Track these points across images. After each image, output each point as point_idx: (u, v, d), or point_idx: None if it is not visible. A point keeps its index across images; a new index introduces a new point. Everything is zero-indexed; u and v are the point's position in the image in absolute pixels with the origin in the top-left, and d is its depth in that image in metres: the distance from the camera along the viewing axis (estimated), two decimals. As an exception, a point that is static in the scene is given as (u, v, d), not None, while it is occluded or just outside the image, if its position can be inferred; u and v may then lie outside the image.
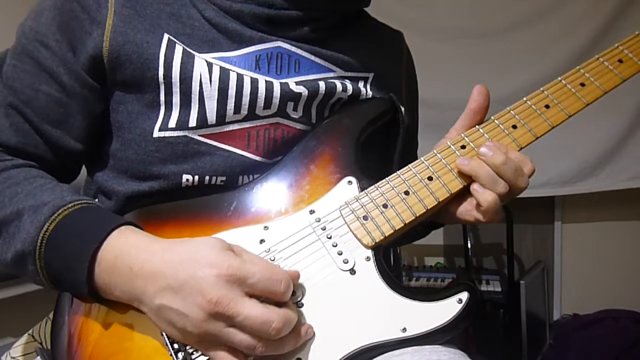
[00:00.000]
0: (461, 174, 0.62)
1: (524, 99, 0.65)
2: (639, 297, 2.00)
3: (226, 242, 0.52)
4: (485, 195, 0.59)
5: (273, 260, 0.57)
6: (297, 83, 0.65)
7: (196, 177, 0.63)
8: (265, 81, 0.63)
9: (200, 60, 0.62)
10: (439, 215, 0.65)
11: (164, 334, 0.53)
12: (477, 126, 0.64)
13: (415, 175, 0.62)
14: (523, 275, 2.07)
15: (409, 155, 0.68)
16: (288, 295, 0.51)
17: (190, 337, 0.49)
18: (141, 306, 0.52)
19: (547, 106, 0.64)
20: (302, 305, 0.55)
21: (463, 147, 0.63)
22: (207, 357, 0.52)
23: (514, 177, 0.59)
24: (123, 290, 0.52)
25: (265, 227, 0.60)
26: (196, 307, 0.47)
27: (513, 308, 1.89)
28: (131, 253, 0.52)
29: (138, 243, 0.53)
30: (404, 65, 0.81)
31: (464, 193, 0.62)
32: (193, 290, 0.48)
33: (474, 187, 0.60)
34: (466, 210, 0.63)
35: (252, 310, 0.47)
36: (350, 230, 0.59)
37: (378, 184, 0.62)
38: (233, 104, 0.62)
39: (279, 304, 0.51)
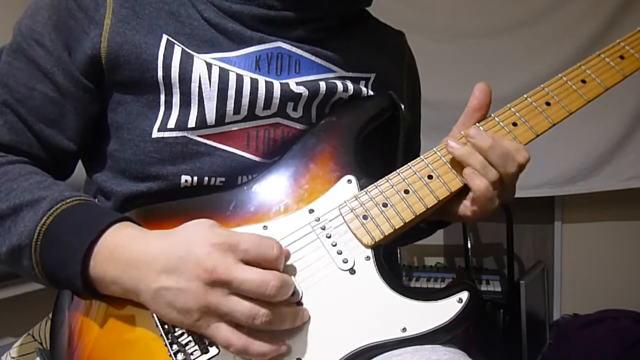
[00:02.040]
0: (462, 172, 0.61)
1: (525, 96, 0.65)
2: (639, 297, 2.00)
3: (214, 221, 0.53)
4: (476, 181, 0.59)
5: None
6: (297, 83, 0.65)
7: (195, 178, 0.62)
8: (265, 81, 0.63)
9: (199, 61, 0.61)
10: (444, 214, 0.65)
11: (163, 335, 0.53)
12: (477, 124, 0.64)
13: (415, 174, 0.62)
14: (523, 275, 2.07)
15: (411, 154, 0.68)
16: (281, 260, 0.52)
17: (192, 315, 0.49)
18: (138, 297, 0.52)
19: (547, 103, 0.64)
20: (302, 305, 0.55)
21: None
22: (207, 358, 0.52)
23: (503, 162, 0.59)
24: (119, 283, 0.52)
25: (264, 226, 0.59)
26: (194, 279, 0.48)
27: (513, 308, 1.89)
28: (126, 246, 0.52)
29: (133, 236, 0.53)
30: (406, 65, 0.81)
31: (466, 192, 0.62)
32: (188, 264, 0.48)
33: (466, 171, 0.60)
34: (466, 207, 0.63)
35: (249, 274, 0.48)
36: (350, 229, 0.59)
37: (377, 182, 0.62)
38: (233, 105, 0.62)
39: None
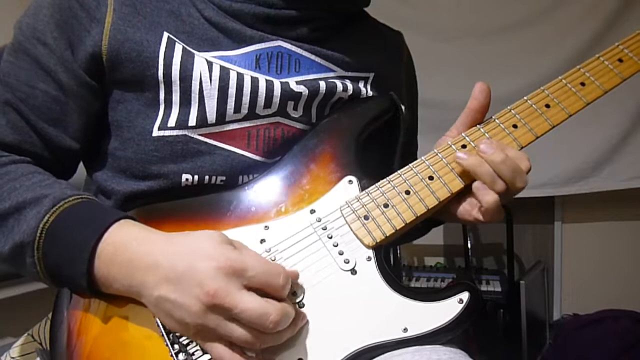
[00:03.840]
0: (462, 173, 0.61)
1: (525, 98, 0.65)
2: (639, 297, 2.00)
3: (226, 236, 0.52)
4: (486, 196, 0.59)
5: (274, 260, 0.57)
6: (297, 82, 0.65)
7: (196, 177, 0.62)
8: (266, 80, 0.63)
9: (200, 59, 0.61)
10: (441, 214, 0.65)
11: (164, 334, 0.53)
12: (478, 125, 0.64)
13: (416, 175, 0.62)
14: (523, 275, 2.07)
15: (409, 155, 0.68)
16: (286, 289, 0.51)
17: (189, 329, 0.49)
18: (140, 298, 0.52)
19: (547, 105, 0.64)
20: (303, 305, 0.55)
21: (464, 146, 0.63)
22: (208, 358, 0.52)
23: (512, 176, 0.58)
24: (122, 282, 0.52)
25: (265, 226, 0.59)
26: (194, 298, 0.47)
27: (513, 308, 1.89)
28: (131, 245, 0.52)
29: (138, 236, 0.53)
30: (404, 66, 0.81)
31: (465, 193, 0.62)
32: (191, 281, 0.48)
33: (476, 185, 0.59)
34: (466, 210, 0.63)
35: (250, 303, 0.47)
36: (351, 230, 0.59)
37: (379, 183, 0.62)
38: (233, 103, 0.62)
39: (277, 300, 0.50)
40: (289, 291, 0.52)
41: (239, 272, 0.48)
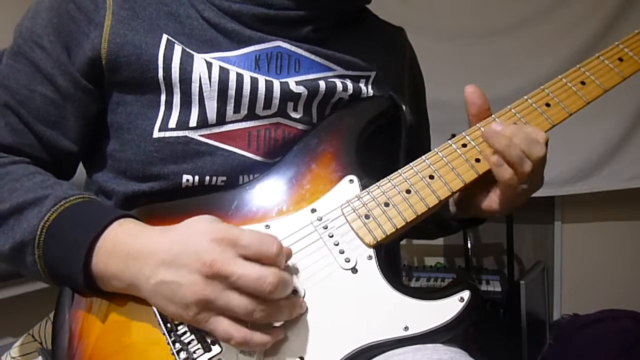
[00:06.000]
0: (462, 172, 0.61)
1: (525, 97, 0.65)
2: (639, 297, 2.00)
3: (216, 217, 0.53)
4: (502, 171, 0.59)
5: None
6: (297, 83, 0.65)
7: (196, 178, 0.63)
8: (265, 81, 0.63)
9: (199, 60, 0.62)
10: (475, 210, 0.66)
11: (166, 333, 0.53)
12: (477, 124, 0.64)
13: (417, 174, 0.62)
14: (523, 275, 2.07)
15: (419, 151, 0.67)
16: (281, 258, 0.51)
17: (190, 309, 0.49)
18: (139, 291, 0.52)
19: (547, 104, 0.64)
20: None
21: (464, 145, 0.63)
22: (209, 356, 0.52)
23: (527, 146, 0.58)
24: (120, 277, 0.52)
25: (266, 225, 0.59)
26: (192, 272, 0.48)
27: (513, 308, 1.89)
28: (128, 240, 0.52)
29: (136, 231, 0.53)
30: (407, 61, 0.81)
31: (488, 186, 0.63)
32: (187, 258, 0.49)
33: (493, 160, 0.60)
34: (491, 200, 0.63)
35: (247, 269, 0.48)
36: (352, 229, 0.59)
37: (379, 182, 0.62)
38: (233, 104, 0.62)
39: None
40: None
41: (233, 241, 0.49)
